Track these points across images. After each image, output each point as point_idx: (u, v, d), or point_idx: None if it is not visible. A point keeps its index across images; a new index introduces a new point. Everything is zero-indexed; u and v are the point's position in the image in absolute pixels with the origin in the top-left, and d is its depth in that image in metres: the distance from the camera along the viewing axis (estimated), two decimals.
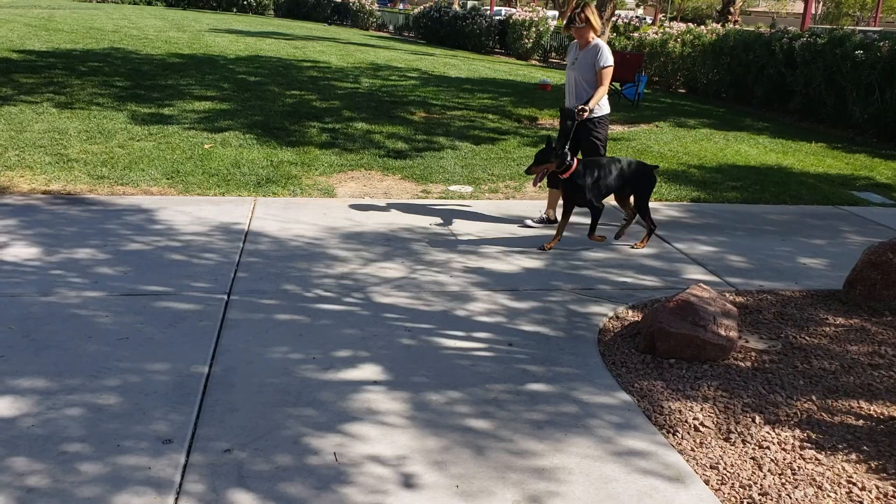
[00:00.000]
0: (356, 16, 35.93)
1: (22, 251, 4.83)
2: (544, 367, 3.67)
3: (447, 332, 3.99)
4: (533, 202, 6.81)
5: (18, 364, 3.41)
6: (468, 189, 7.13)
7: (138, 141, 8.04)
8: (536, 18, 24.30)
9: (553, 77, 17.01)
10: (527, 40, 24.13)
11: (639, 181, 5.59)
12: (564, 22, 6.23)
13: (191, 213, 5.88)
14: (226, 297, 4.31)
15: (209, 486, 2.65)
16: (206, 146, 7.99)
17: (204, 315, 4.05)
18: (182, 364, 3.50)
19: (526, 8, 29.44)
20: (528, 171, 5.47)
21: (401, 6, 49.72)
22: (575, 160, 5.37)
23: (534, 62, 23.85)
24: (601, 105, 5.76)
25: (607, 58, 5.61)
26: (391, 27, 35.15)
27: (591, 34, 5.70)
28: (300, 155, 7.94)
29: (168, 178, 6.77)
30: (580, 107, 5.54)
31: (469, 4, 37.52)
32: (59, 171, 6.76)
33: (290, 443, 2.92)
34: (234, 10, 40.13)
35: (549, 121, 11.11)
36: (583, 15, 5.58)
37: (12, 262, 4.63)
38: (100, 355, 3.53)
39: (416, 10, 31.95)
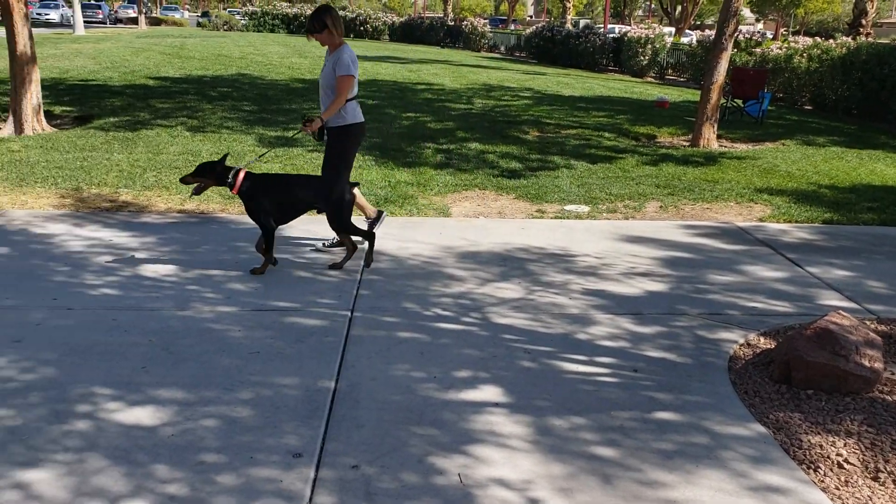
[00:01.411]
0: (468, 38, 36.38)
1: (160, 267, 5.11)
2: (672, 394, 3.54)
3: (568, 355, 3.92)
4: (654, 223, 6.64)
5: (158, 375, 3.59)
6: (585, 209, 7.03)
7: (265, 163, 8.38)
8: (652, 35, 23.86)
9: (671, 94, 16.63)
10: (642, 57, 23.72)
11: (329, 200, 5.14)
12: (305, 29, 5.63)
13: (314, 232, 6.06)
14: (349, 313, 4.41)
15: (338, 501, 2.69)
16: None
17: (329, 331, 4.15)
18: (310, 379, 3.59)
19: (641, 25, 28.94)
20: (183, 181, 5.14)
21: (512, 27, 50.04)
22: (241, 175, 4.99)
23: (649, 79, 23.40)
24: (342, 115, 5.31)
25: (346, 66, 5.17)
26: (502, 48, 35.39)
27: (334, 39, 5.26)
28: (416, 175, 8.06)
29: None
30: (307, 117, 5.26)
31: (581, 23, 37.31)
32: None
33: (415, 461, 2.93)
34: (351, 35, 41.47)
35: (668, 139, 10.84)
36: (319, 20, 5.19)
37: (152, 278, 4.90)
38: (233, 368, 3.68)
39: (527, 31, 32.05)
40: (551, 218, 6.73)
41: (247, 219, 6.36)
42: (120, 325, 4.14)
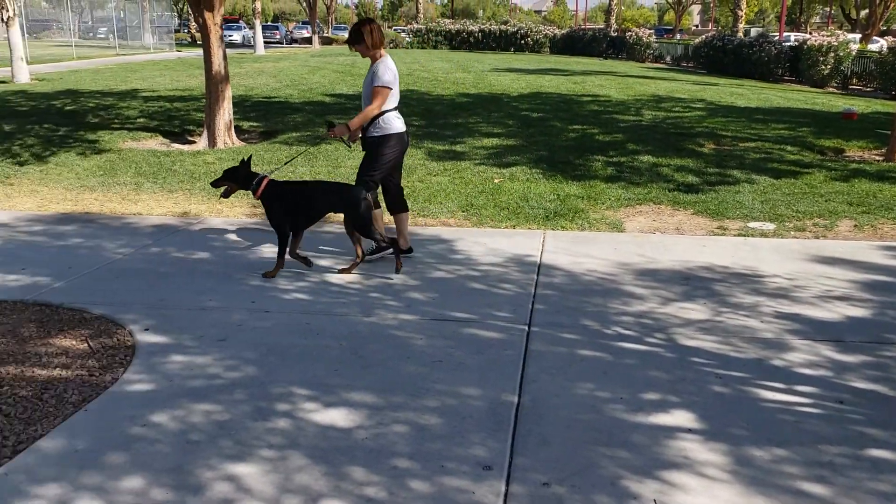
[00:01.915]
0: (632, 48, 35.62)
1: (345, 276, 5.32)
2: (887, 431, 3.24)
3: (764, 382, 3.69)
4: (849, 243, 6.16)
5: (349, 378, 3.73)
6: (770, 226, 6.63)
7: (435, 176, 8.57)
8: (835, 43, 22.29)
9: (858, 105, 15.45)
10: (823, 66, 22.23)
11: (343, 205, 5.26)
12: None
13: (486, 244, 6.12)
14: (526, 328, 4.39)
15: None
16: (496, 181, 8.31)
17: (508, 344, 4.15)
18: (492, 391, 3.60)
19: (823, 32, 27.14)
20: (213, 185, 5.47)
21: (678, 37, 48.49)
22: (265, 181, 5.22)
23: (831, 90, 21.87)
24: (380, 125, 5.34)
25: (383, 77, 5.23)
26: (668, 58, 34.36)
27: (372, 51, 5.31)
28: (586, 189, 7.95)
29: (463, 211, 7.12)
30: (332, 123, 5.38)
31: (752, 31, 35.53)
32: None
33: (607, 483, 2.85)
34: (512, 49, 41.78)
35: (858, 153, 10.05)
36: (357, 32, 5.28)
37: (338, 285, 5.12)
38: (418, 376, 3.76)
39: (696, 40, 30.93)
40: (734, 235, 6.41)
41: (420, 230, 6.52)
42: (312, 328, 4.35)
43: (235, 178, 5.39)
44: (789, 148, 10.15)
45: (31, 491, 2.80)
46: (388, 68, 5.33)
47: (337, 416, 3.35)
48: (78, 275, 5.23)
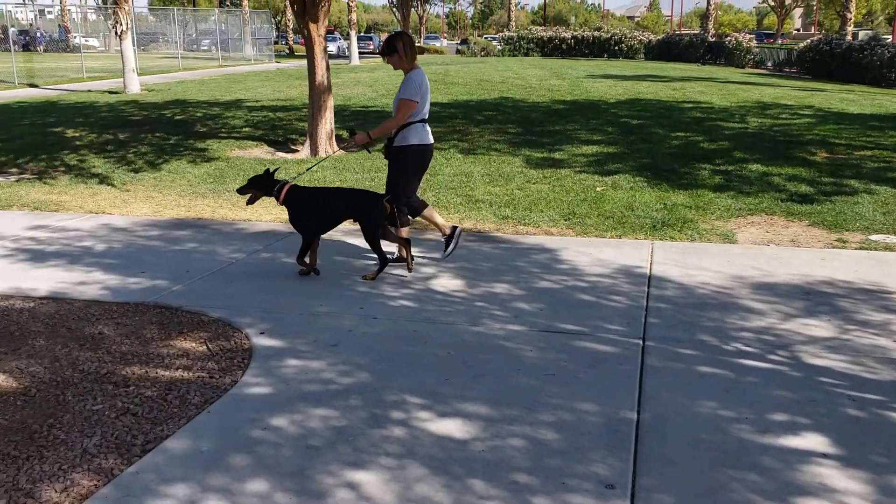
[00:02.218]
0: (731, 54, 34.56)
1: (449, 282, 5.32)
2: None
3: None
4: None
5: (460, 388, 3.70)
6: (895, 240, 6.25)
7: (534, 184, 8.49)
8: None
9: None
10: None
11: (361, 211, 5.34)
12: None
13: (591, 254, 6.00)
14: (640, 342, 4.26)
15: None
16: (599, 189, 8.16)
17: (622, 358, 4.04)
18: (609, 407, 3.50)
19: None
20: (238, 192, 5.68)
21: (779, 41, 46.75)
22: (286, 187, 5.40)
23: None
24: (406, 135, 5.46)
25: (410, 90, 5.35)
26: (769, 63, 33.16)
27: (403, 63, 5.42)
28: (693, 198, 7.70)
29: (566, 220, 7.01)
30: (353, 130, 5.62)
31: (861, 34, 33.92)
32: (469, 211, 7.40)
33: None
34: (605, 55, 41.23)
35: None
36: (390, 44, 5.43)
37: (442, 293, 5.12)
38: (531, 389, 3.69)
39: (801, 45, 29.73)
40: (855, 248, 6.07)
41: (522, 238, 6.45)
42: (420, 336, 4.35)
43: (260, 186, 5.55)
44: None
45: (161, 490, 2.88)
46: (414, 82, 5.40)
47: (452, 427, 3.33)
48: (195, 278, 5.41)
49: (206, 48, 50.51)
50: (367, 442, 3.21)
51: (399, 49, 5.40)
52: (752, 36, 36.43)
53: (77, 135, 12.40)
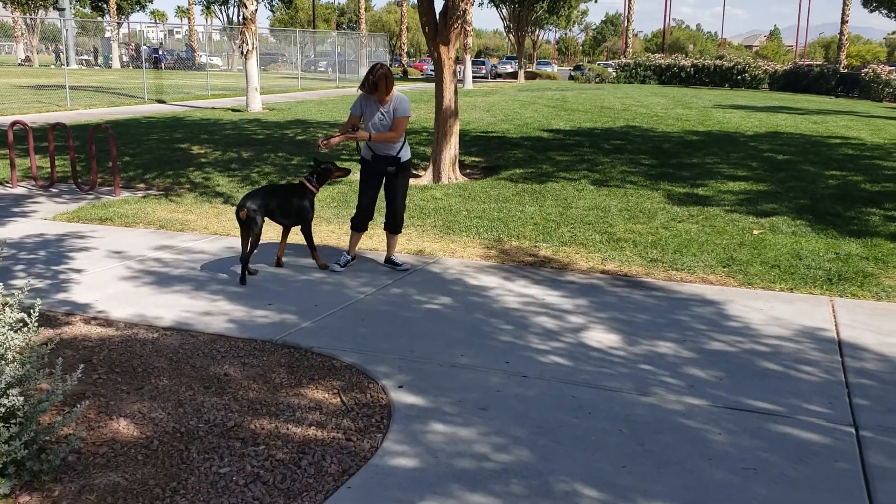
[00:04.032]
0: (867, 86, 32.41)
1: (603, 336, 4.70)
2: None
3: None
4: None
5: (643, 480, 3.08)
6: None
7: (680, 222, 7.75)
8: None
9: None
10: None
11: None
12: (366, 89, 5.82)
13: (763, 310, 5.24)
14: (853, 430, 3.51)
15: None
16: (756, 232, 7.35)
17: (837, 453, 3.31)
18: None
19: None
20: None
21: None
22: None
23: None
24: (406, 151, 6.08)
25: (406, 109, 5.89)
26: None
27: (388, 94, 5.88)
28: (868, 248, 6.79)
29: (724, 266, 6.26)
30: (356, 127, 5.92)
31: None
32: (611, 251, 6.74)
33: None
34: (727, 85, 39.61)
35: None
36: (381, 81, 5.74)
37: (598, 349, 4.50)
38: (730, 486, 3.02)
39: None
40: None
41: (677, 286, 5.73)
42: (582, 405, 3.74)
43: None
44: None
45: None
46: (406, 101, 5.93)
47: None
48: (324, 314, 5.00)
49: (322, 69, 51.81)
50: None
51: (386, 86, 5.80)
52: (892, 68, 34.04)
53: (202, 152, 12.48)
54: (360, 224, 6.17)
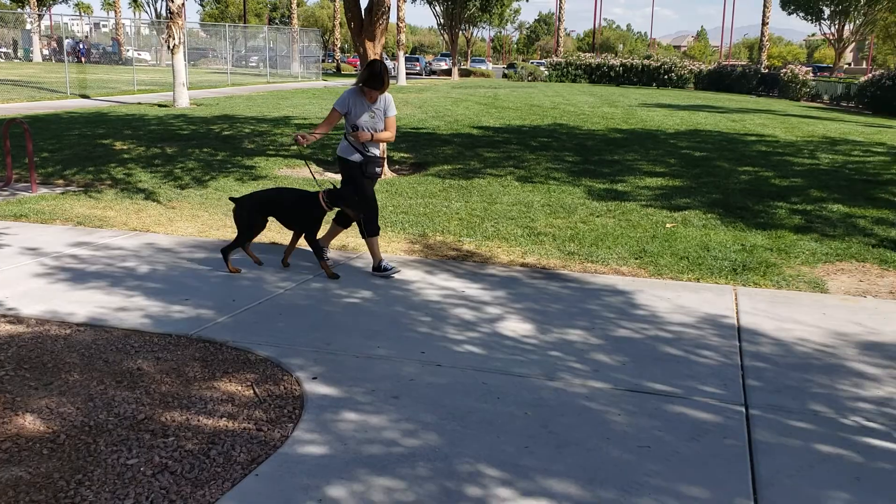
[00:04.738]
0: (786, 86, 33.73)
1: (517, 326, 4.84)
2: None
3: None
4: None
5: (544, 460, 3.21)
6: None
7: (598, 217, 7.99)
8: None
9: None
10: None
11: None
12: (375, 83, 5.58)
13: (669, 299, 5.48)
14: (743, 409, 3.73)
15: None
16: (669, 225, 7.63)
17: (726, 430, 3.51)
18: (722, 493, 2.98)
19: None
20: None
21: (836, 75, 45.67)
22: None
23: None
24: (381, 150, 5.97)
25: (394, 109, 5.83)
26: (826, 97, 32.27)
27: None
28: (773, 239, 7.13)
29: (636, 258, 6.50)
30: (358, 127, 5.71)
31: None
32: (532, 245, 6.92)
33: None
34: (654, 84, 40.63)
35: None
36: (385, 75, 5.63)
37: (511, 338, 4.64)
38: (625, 464, 3.19)
39: (862, 79, 28.85)
40: None
41: (591, 278, 5.93)
42: (491, 391, 3.87)
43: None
44: None
45: None
46: (393, 100, 5.82)
47: None
48: (241, 309, 5.01)
49: (254, 64, 51.01)
50: None
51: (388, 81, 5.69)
52: (808, 68, 35.51)
53: (125, 147, 12.22)
54: (377, 227, 5.88)
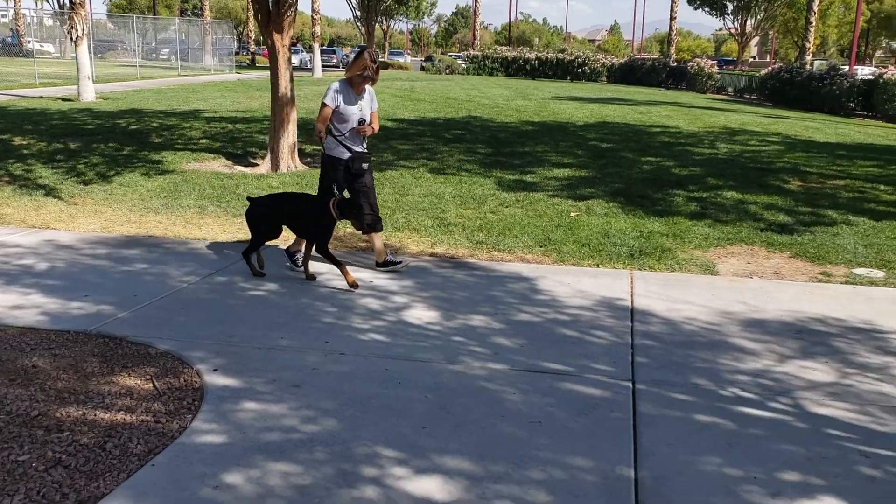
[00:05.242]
0: (693, 79, 34.99)
1: (423, 314, 4.95)
2: None
3: None
4: None
5: (440, 439, 3.33)
6: (880, 274, 6.08)
7: (507, 207, 8.18)
8: None
9: None
10: None
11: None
12: (362, 74, 5.43)
13: (570, 284, 5.69)
14: (630, 384, 3.94)
15: None
16: (573, 214, 7.89)
17: (614, 405, 3.71)
18: (605, 463, 3.16)
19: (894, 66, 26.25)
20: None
21: (740, 68, 47.59)
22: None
23: None
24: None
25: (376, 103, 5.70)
26: (730, 89, 33.64)
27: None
28: (670, 226, 7.47)
29: (541, 246, 6.71)
30: (364, 120, 5.61)
31: (816, 63, 34.66)
32: (442, 235, 7.04)
33: None
34: (569, 77, 41.47)
35: None
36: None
37: (416, 325, 4.75)
38: (518, 440, 3.34)
39: (762, 72, 30.20)
40: (840, 283, 5.87)
41: (497, 266, 6.11)
42: (393, 376, 3.97)
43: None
44: (883, 187, 9.54)
45: None
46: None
47: (432, 487, 2.95)
48: (143, 304, 4.96)
49: (165, 57, 49.53)
50: None
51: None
52: (713, 62, 36.92)
53: (24, 143, 11.76)
54: (377, 221, 5.73)
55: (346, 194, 5.67)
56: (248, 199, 5.75)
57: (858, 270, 6.18)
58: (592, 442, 3.34)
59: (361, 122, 5.55)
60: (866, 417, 3.62)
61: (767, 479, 3.06)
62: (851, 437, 3.42)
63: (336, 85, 5.55)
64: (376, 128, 5.73)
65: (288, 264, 5.91)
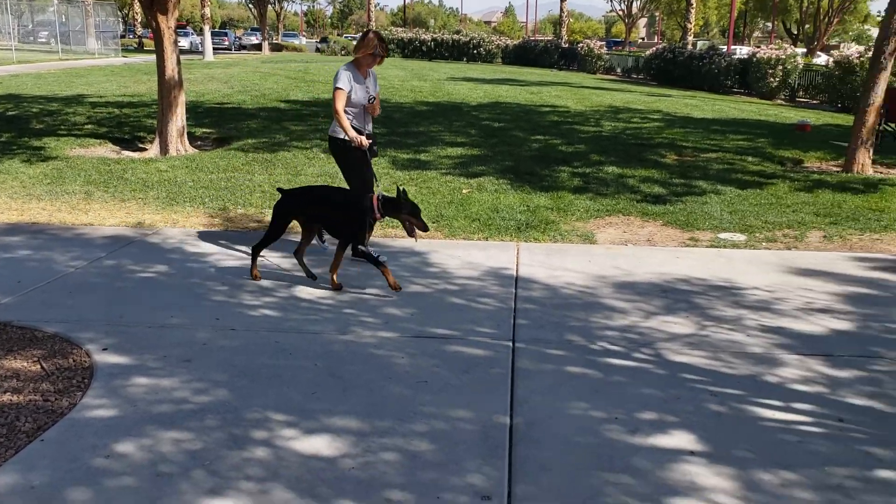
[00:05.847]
0: (584, 60, 36.00)
1: (315, 290, 5.08)
2: (891, 450, 3.15)
3: (760, 400, 3.59)
4: (822, 254, 6.16)
5: (330, 402, 3.50)
6: (741, 237, 6.61)
7: (401, 185, 8.35)
8: (784, 56, 22.82)
9: (808, 117, 15.76)
10: (772, 79, 22.72)
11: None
12: (373, 53, 5.46)
13: (460, 256, 5.94)
14: (511, 344, 4.22)
15: None
16: (465, 191, 8.15)
17: (494, 362, 3.97)
18: (484, 413, 3.41)
19: (771, 46, 27.85)
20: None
21: (628, 49, 49.23)
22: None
23: (780, 102, 22.36)
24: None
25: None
26: (619, 70, 34.82)
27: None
28: (555, 200, 7.84)
29: (434, 222, 6.92)
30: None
31: (699, 44, 36.29)
32: None
33: None
34: (465, 59, 41.86)
35: (816, 164, 10.18)
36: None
37: (308, 300, 4.88)
38: (403, 398, 3.55)
39: (647, 52, 31.40)
40: (706, 246, 6.35)
41: (391, 242, 6.30)
42: (284, 348, 4.10)
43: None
44: (750, 159, 10.24)
45: None
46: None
47: (320, 444, 3.13)
48: (27, 289, 4.88)
49: (44, 40, 46.92)
50: (226, 465, 2.95)
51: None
52: (602, 43, 38.07)
53: None
54: None
55: (380, 189, 5.34)
56: (279, 189, 5.44)
57: (723, 235, 6.70)
58: (473, 396, 3.59)
59: (371, 101, 5.59)
60: (718, 362, 4.02)
61: (627, 419, 3.39)
62: (703, 380, 3.80)
63: (345, 68, 5.51)
64: (379, 110, 5.74)
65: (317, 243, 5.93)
